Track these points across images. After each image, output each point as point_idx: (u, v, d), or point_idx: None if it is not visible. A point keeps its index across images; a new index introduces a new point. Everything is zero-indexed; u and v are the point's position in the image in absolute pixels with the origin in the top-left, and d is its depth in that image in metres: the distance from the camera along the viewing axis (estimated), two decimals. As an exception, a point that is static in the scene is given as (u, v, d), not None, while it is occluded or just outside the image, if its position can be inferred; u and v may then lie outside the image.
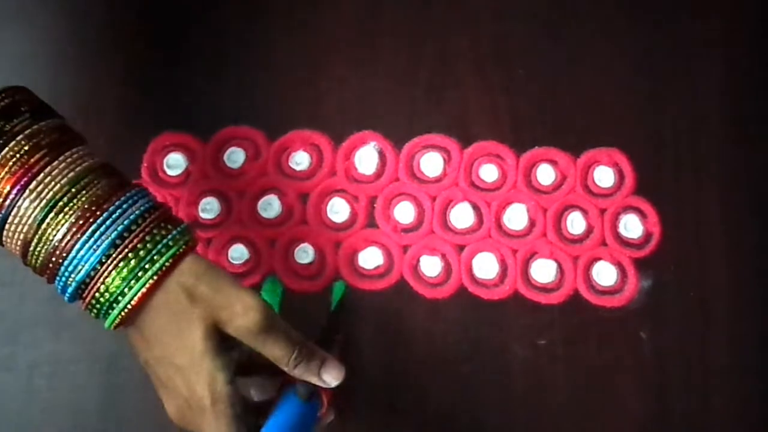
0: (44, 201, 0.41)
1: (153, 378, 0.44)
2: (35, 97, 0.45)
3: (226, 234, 0.58)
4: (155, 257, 0.41)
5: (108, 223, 0.41)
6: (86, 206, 0.41)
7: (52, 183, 0.41)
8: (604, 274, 0.58)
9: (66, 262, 0.41)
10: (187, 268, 0.42)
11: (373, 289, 0.58)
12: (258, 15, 0.63)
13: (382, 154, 0.60)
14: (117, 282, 0.41)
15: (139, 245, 0.41)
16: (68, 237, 0.41)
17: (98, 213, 0.41)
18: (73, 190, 0.41)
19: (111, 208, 0.41)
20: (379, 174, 0.60)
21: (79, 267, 0.41)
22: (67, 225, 0.41)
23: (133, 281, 0.41)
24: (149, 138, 0.60)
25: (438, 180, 0.60)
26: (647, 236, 0.59)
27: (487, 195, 0.59)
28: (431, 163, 0.60)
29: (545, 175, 0.60)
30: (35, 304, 0.57)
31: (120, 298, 0.41)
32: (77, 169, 0.42)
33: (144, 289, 0.41)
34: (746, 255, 0.59)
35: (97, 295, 0.41)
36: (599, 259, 0.58)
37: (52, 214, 0.41)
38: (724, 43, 0.63)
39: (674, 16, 0.63)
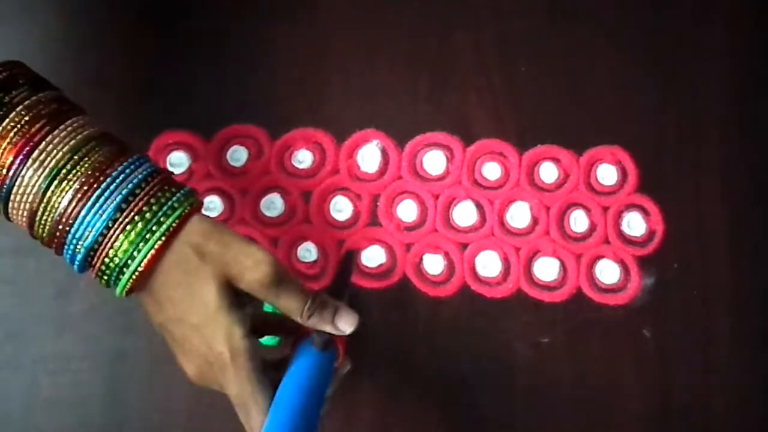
0: (47, 170, 0.41)
1: (169, 341, 0.44)
2: (32, 70, 0.45)
3: (229, 232, 0.58)
4: (161, 219, 0.41)
5: (112, 188, 0.41)
6: (89, 173, 0.41)
7: (54, 151, 0.41)
8: (607, 272, 0.58)
9: (73, 230, 0.41)
10: (194, 227, 0.42)
11: (375, 287, 0.58)
12: (260, 13, 0.63)
13: (384, 153, 0.60)
14: (125, 246, 0.41)
15: (144, 208, 0.41)
16: (73, 204, 0.41)
17: (101, 179, 0.41)
18: (75, 157, 0.41)
19: (114, 174, 0.41)
20: (381, 172, 0.60)
21: (86, 233, 0.41)
22: (71, 192, 0.41)
23: (141, 244, 0.41)
24: (152, 137, 0.60)
25: (441, 178, 0.60)
26: (650, 234, 0.59)
27: (490, 193, 0.59)
28: (434, 162, 0.60)
29: (548, 173, 0.60)
30: (38, 301, 0.57)
31: (129, 262, 0.41)
32: (78, 137, 0.42)
33: (153, 251, 0.41)
34: (749, 253, 0.59)
35: (106, 260, 0.41)
36: (602, 257, 0.58)
37: (56, 182, 0.41)
38: (726, 41, 0.63)
39: (676, 15, 0.63)
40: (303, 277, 0.58)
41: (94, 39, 0.63)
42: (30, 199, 0.41)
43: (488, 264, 0.58)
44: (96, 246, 0.41)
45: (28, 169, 0.41)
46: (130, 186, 0.41)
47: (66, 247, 0.42)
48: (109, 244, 0.41)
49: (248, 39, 0.62)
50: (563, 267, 0.58)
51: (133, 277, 0.42)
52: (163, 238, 0.41)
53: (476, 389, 0.57)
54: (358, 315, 0.45)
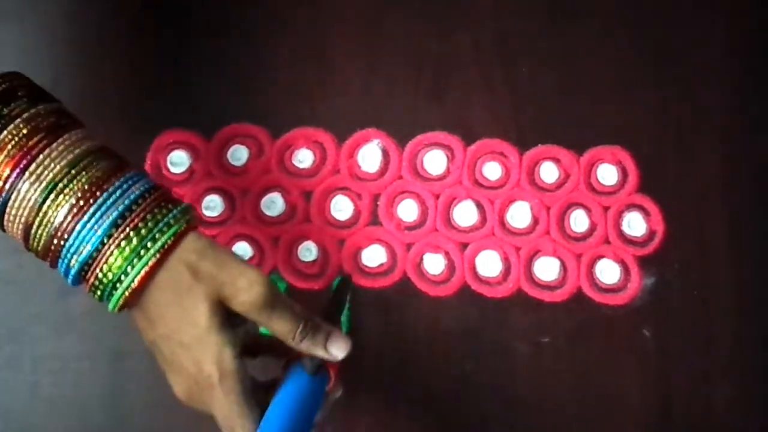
0: (44, 183, 0.41)
1: (159, 358, 0.44)
2: (32, 82, 0.45)
3: (230, 232, 0.58)
4: (157, 236, 0.41)
5: (108, 203, 0.41)
6: (86, 187, 0.41)
7: (52, 165, 0.41)
8: (608, 271, 0.58)
9: (68, 244, 0.41)
10: (190, 245, 0.42)
11: (376, 286, 0.58)
12: (261, 12, 0.63)
13: (385, 152, 0.60)
14: (119, 262, 0.41)
15: (140, 224, 0.41)
16: (69, 218, 0.41)
17: (98, 194, 0.41)
18: (73, 171, 0.41)
19: (111, 189, 0.41)
20: (382, 172, 0.60)
21: (81, 248, 0.41)
22: (67, 206, 0.41)
23: (135, 260, 0.41)
24: (153, 136, 0.60)
25: (441, 178, 0.60)
26: (650, 234, 0.59)
27: (491, 193, 0.59)
28: (434, 161, 0.60)
29: (549, 173, 0.60)
30: (39, 301, 0.57)
31: (123, 277, 0.41)
32: (76, 151, 0.42)
33: (146, 268, 0.41)
34: (749, 253, 0.59)
35: (100, 275, 0.41)
36: (602, 256, 0.58)
37: (52, 196, 0.41)
38: (727, 41, 0.63)
39: (677, 14, 0.63)
40: (303, 275, 0.58)
41: (94, 38, 0.63)
42: (26, 213, 0.41)
43: (488, 264, 0.58)
44: (90, 261, 0.41)
45: (24, 182, 0.41)
46: (126, 202, 0.41)
47: (60, 260, 0.42)
48: (104, 260, 0.41)
49: (249, 38, 0.62)
50: (563, 267, 0.58)
51: (126, 293, 0.41)
52: (158, 255, 0.41)
53: (476, 389, 0.57)
54: (350, 341, 0.44)
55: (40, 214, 0.41)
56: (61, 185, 0.41)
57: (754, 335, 0.58)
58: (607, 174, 0.60)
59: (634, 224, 0.59)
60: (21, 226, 0.42)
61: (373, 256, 0.58)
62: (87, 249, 0.41)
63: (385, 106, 0.61)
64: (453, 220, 0.59)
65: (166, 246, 0.41)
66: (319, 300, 0.57)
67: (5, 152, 0.41)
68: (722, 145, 0.61)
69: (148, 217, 0.41)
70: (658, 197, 0.59)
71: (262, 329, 0.44)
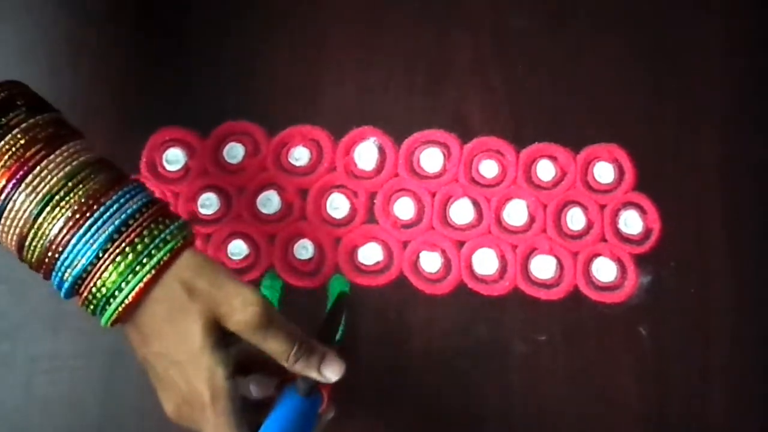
0: (40, 195, 0.40)
1: (151, 375, 0.44)
2: (31, 91, 0.45)
3: (226, 229, 0.58)
4: (153, 252, 0.41)
5: (105, 217, 0.41)
6: (82, 201, 0.41)
7: (49, 177, 0.41)
8: (604, 270, 0.58)
9: (62, 257, 0.41)
10: (185, 262, 0.42)
11: (372, 285, 0.58)
12: (257, 10, 0.63)
13: (381, 150, 0.60)
14: (114, 277, 0.41)
15: (136, 240, 0.41)
16: (64, 231, 0.40)
17: (95, 207, 0.41)
18: (70, 184, 0.41)
19: (108, 203, 0.41)
20: (378, 169, 0.60)
21: (76, 262, 0.41)
22: (63, 219, 0.40)
23: (130, 276, 0.41)
24: (148, 133, 0.60)
25: (438, 176, 0.60)
26: (647, 232, 0.59)
27: (487, 191, 0.59)
28: (431, 159, 0.60)
29: (545, 170, 0.60)
30: (34, 300, 0.57)
31: (117, 293, 0.41)
32: (74, 163, 0.41)
33: (141, 285, 0.41)
34: (746, 251, 0.59)
35: (93, 290, 0.41)
36: (599, 255, 0.58)
37: (48, 209, 0.40)
38: (724, 38, 0.63)
39: (674, 12, 0.63)
40: (299, 273, 0.58)
41: (92, 37, 0.62)
42: (20, 224, 0.41)
43: (485, 262, 0.58)
44: (84, 275, 0.41)
45: (20, 193, 0.41)
46: (123, 216, 0.41)
47: (54, 273, 0.42)
48: (98, 274, 0.41)
49: (245, 36, 0.62)
50: (560, 265, 0.58)
51: (120, 308, 0.41)
52: (153, 272, 0.41)
53: (472, 387, 0.57)
54: (344, 364, 0.44)
55: (35, 226, 0.41)
56: (57, 198, 0.41)
57: (751, 334, 0.58)
58: (604, 172, 0.60)
59: (631, 222, 0.59)
60: (15, 238, 0.42)
61: (370, 254, 0.58)
62: (81, 263, 0.41)
63: (382, 103, 0.61)
64: (449, 218, 0.59)
65: (161, 262, 0.41)
66: (314, 297, 0.57)
67: (2, 162, 0.41)
68: (719, 143, 0.61)
69: (145, 232, 0.41)
70: (654, 195, 0.59)
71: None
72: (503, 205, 0.59)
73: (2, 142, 0.41)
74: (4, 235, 0.42)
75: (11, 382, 0.56)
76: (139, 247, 0.41)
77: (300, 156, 0.60)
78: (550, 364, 0.57)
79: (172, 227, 0.42)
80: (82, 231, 0.40)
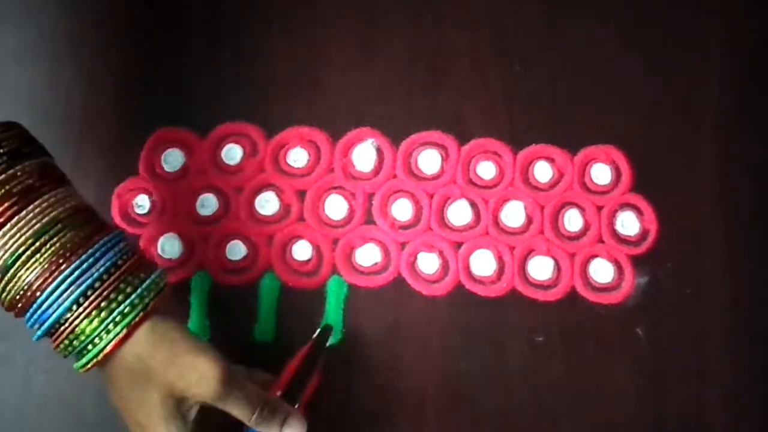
0: (8, 253, 0.41)
1: (121, 417, 0.45)
2: (22, 133, 0.45)
3: (223, 230, 0.58)
4: (126, 310, 0.42)
5: (77, 273, 0.42)
6: (52, 259, 0.41)
7: (18, 234, 0.41)
8: (601, 271, 0.58)
9: (35, 305, 0.42)
10: (144, 337, 0.43)
11: (370, 286, 0.58)
12: (256, 11, 0.63)
13: (379, 151, 0.60)
14: (87, 331, 0.42)
15: (93, 312, 0.42)
16: (38, 283, 0.41)
17: (64, 265, 0.42)
18: (37, 243, 0.41)
19: (78, 261, 0.42)
20: (376, 171, 0.60)
21: (50, 312, 0.42)
22: (35, 272, 0.41)
23: (104, 333, 0.42)
24: (147, 134, 0.60)
25: (436, 177, 0.60)
26: (644, 233, 0.59)
27: (485, 192, 0.59)
28: (429, 160, 0.60)
29: (542, 172, 0.60)
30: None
31: (90, 347, 0.42)
32: (45, 219, 0.42)
33: (110, 346, 0.42)
34: (744, 252, 0.59)
35: (66, 342, 0.43)
36: (596, 256, 0.58)
37: (18, 263, 0.41)
38: (722, 40, 0.63)
39: (673, 13, 0.63)
40: (297, 274, 0.58)
41: (91, 37, 0.63)
42: None
43: (482, 263, 0.58)
44: (57, 326, 0.42)
45: None
46: (96, 274, 0.42)
47: (27, 317, 0.43)
48: (70, 329, 0.42)
49: (243, 37, 0.62)
50: (557, 266, 0.58)
51: (91, 362, 0.43)
52: (125, 331, 0.42)
53: (470, 388, 0.57)
54: (306, 423, 0.45)
55: (8, 275, 0.42)
56: (26, 255, 0.41)
57: (748, 335, 0.58)
58: (601, 173, 0.60)
59: (628, 223, 0.59)
60: None
61: (368, 255, 0.58)
62: (55, 314, 0.42)
63: (380, 105, 0.61)
64: (447, 220, 0.59)
65: (119, 337, 0.42)
66: (312, 298, 0.57)
67: None
68: (715, 144, 0.61)
69: (103, 304, 0.42)
70: (651, 196, 0.59)
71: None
72: (501, 207, 0.59)
73: None
74: None
75: (10, 382, 0.56)
76: (113, 305, 0.42)
77: (298, 157, 0.60)
78: (548, 365, 0.57)
79: (133, 296, 0.43)
80: (50, 289, 0.41)
